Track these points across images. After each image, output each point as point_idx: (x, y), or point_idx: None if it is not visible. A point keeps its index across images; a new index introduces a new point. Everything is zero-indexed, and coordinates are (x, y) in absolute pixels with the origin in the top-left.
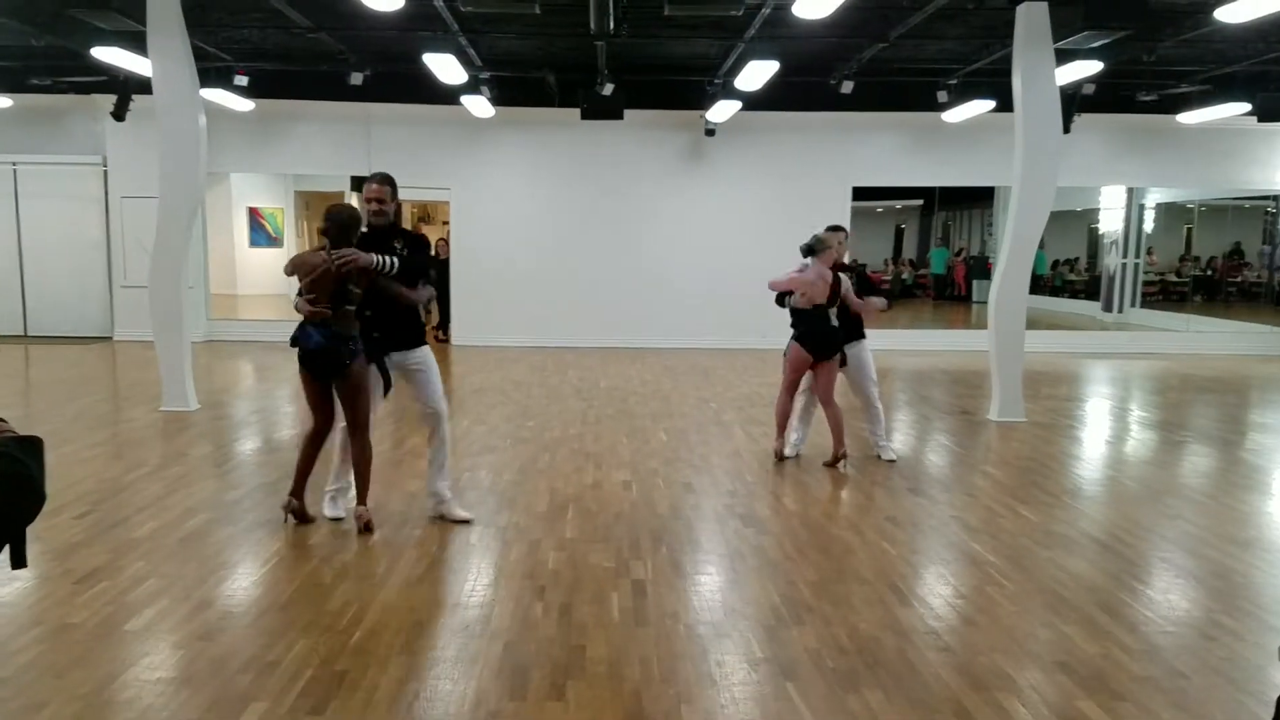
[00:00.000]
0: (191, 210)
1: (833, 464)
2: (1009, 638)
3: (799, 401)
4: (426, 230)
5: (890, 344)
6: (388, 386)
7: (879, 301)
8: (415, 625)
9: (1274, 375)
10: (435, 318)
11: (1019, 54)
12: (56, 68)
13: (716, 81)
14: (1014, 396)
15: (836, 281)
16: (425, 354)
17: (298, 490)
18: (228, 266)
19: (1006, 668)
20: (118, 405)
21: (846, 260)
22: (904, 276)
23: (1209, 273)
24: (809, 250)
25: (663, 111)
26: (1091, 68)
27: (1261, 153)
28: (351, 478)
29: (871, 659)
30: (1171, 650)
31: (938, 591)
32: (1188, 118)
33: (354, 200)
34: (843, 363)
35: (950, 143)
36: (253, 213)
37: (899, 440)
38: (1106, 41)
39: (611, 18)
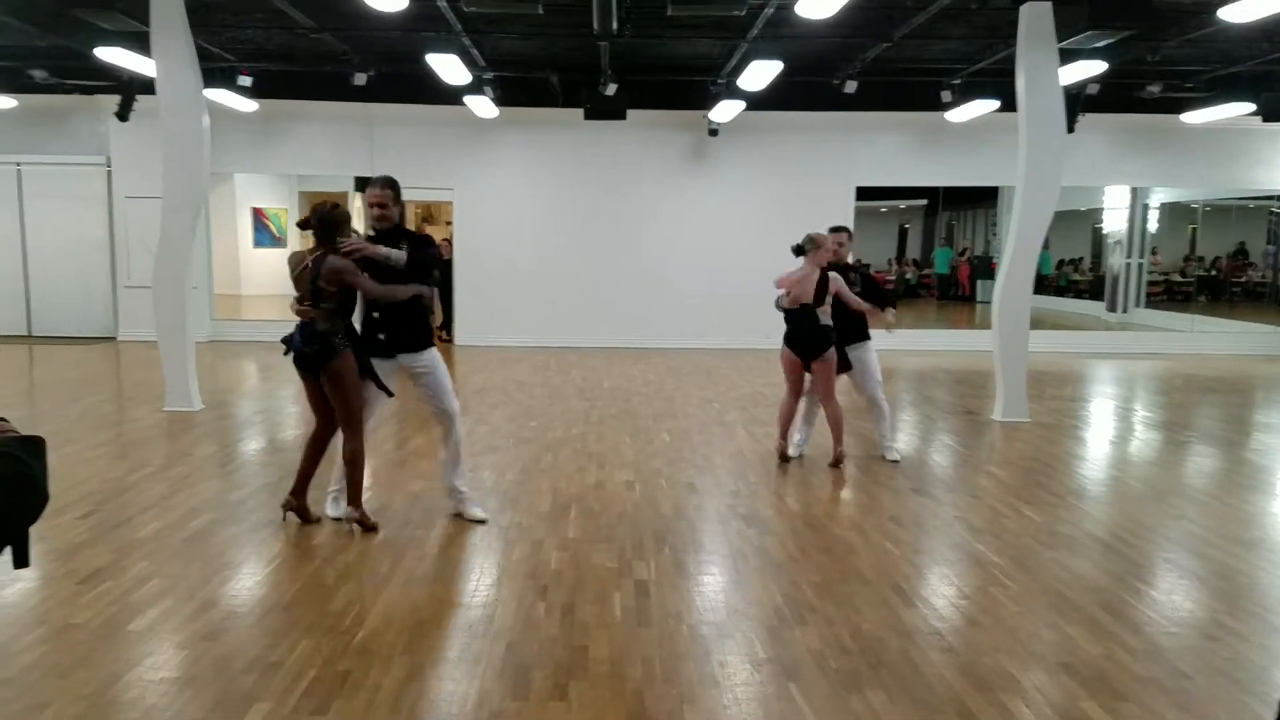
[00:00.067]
0: (195, 210)
1: (835, 465)
2: (1012, 638)
3: (803, 402)
4: (429, 231)
5: (894, 344)
6: (385, 389)
7: (890, 315)
8: (418, 625)
9: (1278, 375)
10: (439, 318)
11: (1023, 54)
12: (60, 68)
13: (720, 81)
14: (1018, 397)
15: (825, 281)
16: (432, 356)
17: (298, 490)
18: (231, 267)
19: (1010, 668)
20: (121, 405)
21: (850, 261)
22: (908, 276)
23: (1213, 273)
24: (799, 250)
25: (666, 111)
26: (1095, 67)
27: (1266, 153)
28: None
29: (875, 659)
30: (1175, 651)
31: (941, 592)
32: (1192, 117)
33: (357, 201)
34: (846, 367)
35: (954, 143)
36: (256, 213)
37: (902, 440)
38: (1110, 41)
39: (614, 18)
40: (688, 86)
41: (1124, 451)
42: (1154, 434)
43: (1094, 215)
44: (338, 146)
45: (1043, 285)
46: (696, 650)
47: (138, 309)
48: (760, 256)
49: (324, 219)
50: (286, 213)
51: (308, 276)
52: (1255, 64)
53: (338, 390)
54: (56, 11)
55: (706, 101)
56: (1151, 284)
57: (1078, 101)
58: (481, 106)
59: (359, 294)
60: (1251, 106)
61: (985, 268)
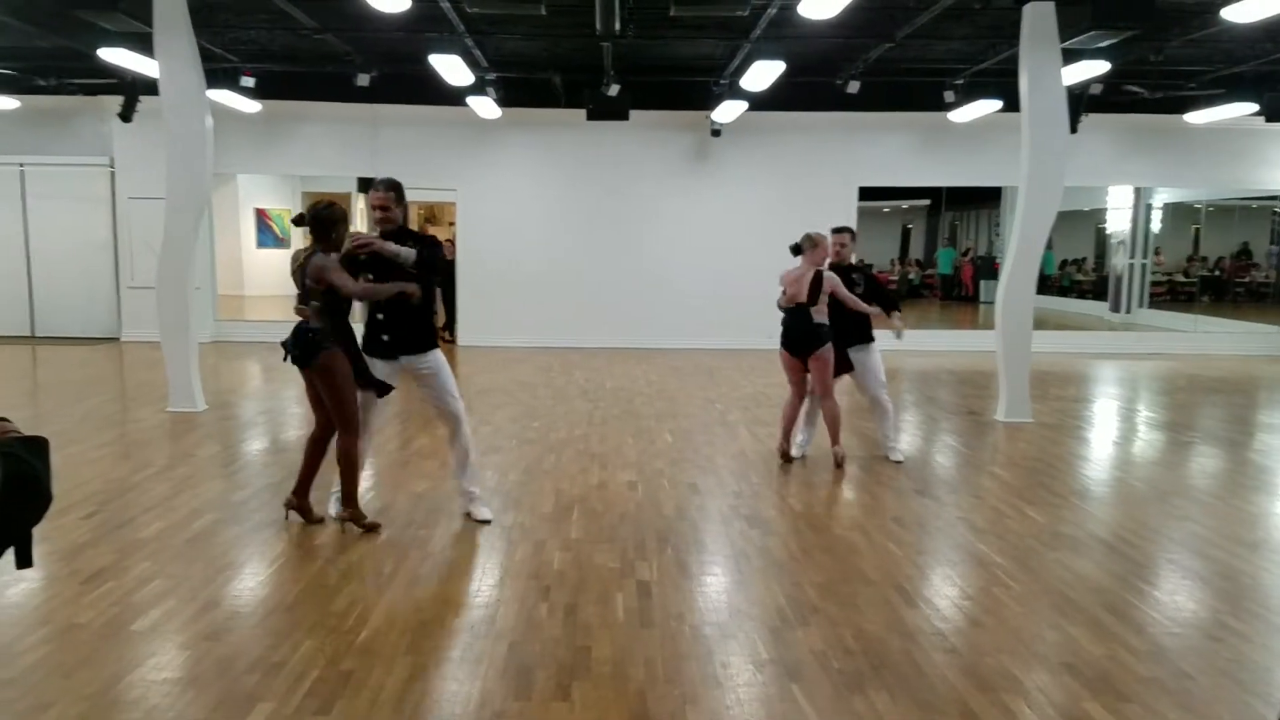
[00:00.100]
0: (198, 211)
1: (837, 465)
2: (1015, 639)
3: (806, 403)
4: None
5: (897, 344)
6: (380, 391)
7: (897, 321)
8: (421, 625)
9: None
10: (442, 318)
11: (1025, 54)
12: (64, 69)
13: (722, 82)
14: (1021, 397)
15: (819, 280)
16: (435, 358)
17: (300, 489)
18: (235, 267)
19: (1013, 669)
20: (125, 406)
21: (853, 261)
22: (911, 277)
23: (1217, 273)
24: (797, 249)
25: (668, 112)
26: (1098, 67)
27: (1269, 153)
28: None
29: (877, 660)
30: (1178, 652)
31: (944, 593)
32: (1195, 118)
33: (360, 202)
34: (846, 367)
35: (957, 143)
36: (260, 214)
37: (906, 441)
38: (1113, 41)
39: (617, 18)
40: (690, 87)
41: (1127, 452)
42: (1157, 435)
43: (1097, 215)
44: (341, 147)
45: (1046, 285)
46: (699, 651)
47: (141, 310)
48: (763, 257)
49: (317, 216)
50: (289, 213)
51: (299, 275)
52: (1258, 64)
53: (326, 388)
54: (59, 12)
55: (709, 102)
56: (1155, 284)
57: (1081, 101)
58: (484, 107)
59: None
60: (1255, 106)
61: (988, 268)
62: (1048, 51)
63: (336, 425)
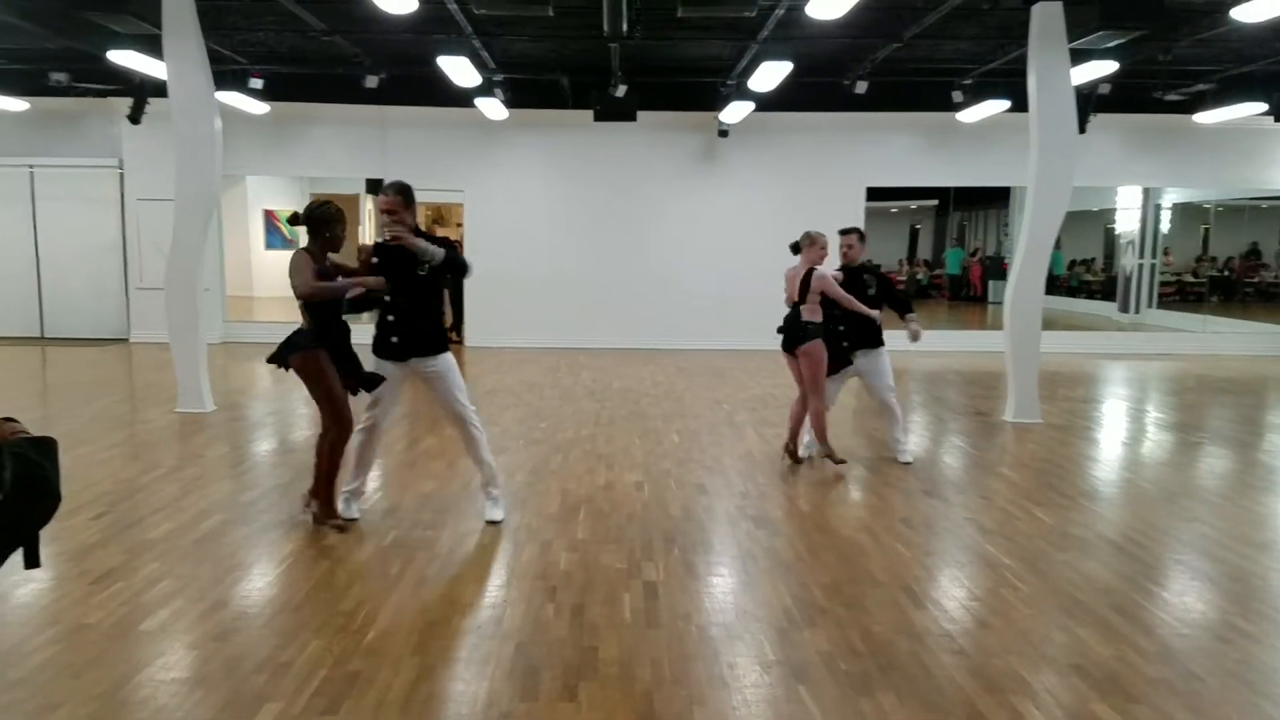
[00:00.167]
0: (207, 212)
1: (809, 459)
2: (1023, 640)
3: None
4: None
5: (905, 345)
6: (367, 386)
7: (914, 325)
8: (428, 626)
9: None
10: (449, 319)
11: (1034, 54)
12: (73, 71)
13: (730, 82)
14: (1030, 398)
15: (807, 278)
16: (443, 361)
17: (315, 489)
18: (243, 269)
19: (1021, 670)
20: (134, 407)
21: (862, 262)
22: (919, 277)
23: (1226, 273)
24: (795, 247)
25: (676, 113)
26: (1107, 67)
27: (1279, 153)
28: (366, 479)
29: (885, 662)
30: (1187, 653)
31: (952, 594)
32: (1204, 117)
33: (369, 204)
34: (841, 365)
35: (965, 143)
36: (268, 215)
37: (913, 442)
38: (1122, 41)
39: (625, 20)
40: (698, 88)
41: (1136, 453)
42: (1166, 435)
43: (1106, 215)
44: (349, 149)
45: (1054, 286)
46: (706, 652)
47: (150, 311)
48: (770, 258)
49: (311, 215)
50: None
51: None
52: (1267, 64)
53: (307, 387)
54: (68, 15)
55: (716, 103)
56: (1164, 284)
57: (1089, 101)
58: (492, 108)
59: (353, 294)
60: (1264, 106)
61: (997, 268)
62: (1056, 51)
63: (322, 420)
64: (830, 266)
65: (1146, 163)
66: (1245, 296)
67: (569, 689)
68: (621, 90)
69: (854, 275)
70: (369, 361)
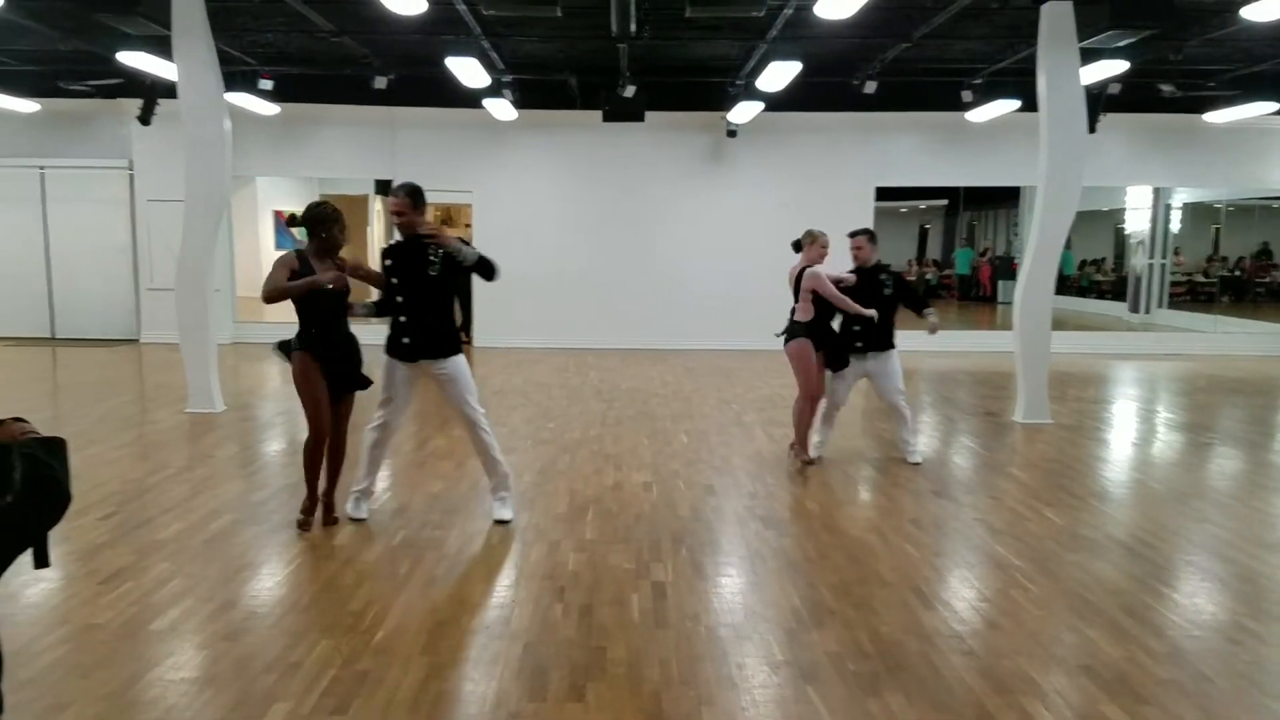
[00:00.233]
0: (217, 213)
1: (794, 456)
2: (1033, 641)
3: (822, 404)
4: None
5: (914, 345)
6: (355, 386)
7: (931, 317)
8: (436, 626)
9: None
10: (459, 318)
11: (1043, 53)
12: (83, 72)
13: (738, 83)
14: (1040, 398)
15: (799, 277)
16: (454, 364)
17: (326, 490)
18: (253, 269)
19: (1030, 671)
20: (144, 407)
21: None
22: (928, 277)
23: (1237, 273)
24: (797, 245)
25: (684, 113)
26: (1117, 67)
27: None
28: (377, 478)
29: (893, 662)
30: (1197, 654)
31: (961, 595)
32: (1214, 117)
33: (378, 204)
34: (841, 364)
35: (975, 143)
36: (278, 216)
37: (923, 442)
38: (1132, 41)
39: (633, 20)
40: (706, 88)
41: (1146, 454)
42: (1177, 436)
43: (1116, 215)
44: (358, 150)
45: (1065, 286)
46: (714, 652)
47: (160, 311)
48: (778, 258)
49: (308, 215)
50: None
51: None
52: (1278, 63)
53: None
54: (79, 16)
55: (725, 103)
56: (1174, 284)
57: (1099, 101)
58: (500, 109)
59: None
60: (1275, 105)
61: (1006, 268)
62: (1066, 51)
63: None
64: (830, 267)
65: (1157, 162)
66: (1256, 296)
67: (577, 689)
68: (630, 91)
69: (870, 276)
70: (378, 361)
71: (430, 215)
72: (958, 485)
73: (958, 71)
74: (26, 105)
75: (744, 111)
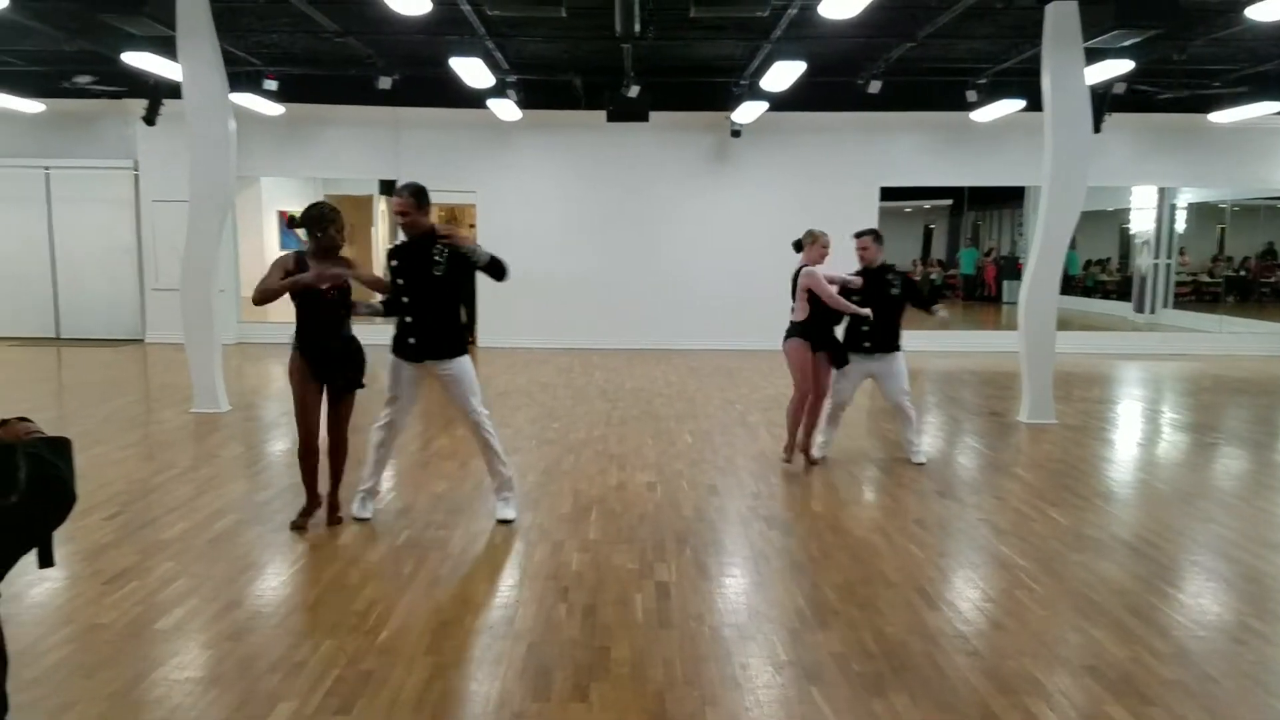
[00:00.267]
0: (222, 214)
1: (786, 459)
2: (1038, 642)
3: (827, 404)
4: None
5: (919, 345)
6: (347, 387)
7: (940, 312)
8: (440, 626)
9: None
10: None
11: (1048, 53)
12: (88, 72)
13: (742, 83)
14: (1044, 398)
15: (796, 276)
16: (459, 365)
17: (330, 490)
18: (258, 270)
19: (1035, 672)
20: (149, 407)
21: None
22: (933, 277)
23: (1242, 273)
24: (798, 245)
25: (688, 113)
26: (1122, 67)
27: None
28: (381, 478)
29: (898, 663)
30: (1202, 654)
31: (966, 595)
32: (1219, 117)
33: (382, 205)
34: (841, 362)
35: (979, 142)
36: (282, 216)
37: (927, 442)
38: (1137, 40)
39: (637, 20)
40: (710, 88)
41: (1151, 454)
42: (1182, 436)
43: (1121, 215)
44: (363, 150)
45: (1070, 286)
46: (718, 652)
47: (165, 311)
48: (783, 258)
49: (305, 215)
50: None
51: None
52: None
53: None
54: (84, 17)
55: (729, 103)
56: (1179, 284)
57: (1104, 101)
58: (505, 109)
59: (346, 295)
60: (1279, 105)
61: (1011, 268)
62: (1070, 51)
63: None
64: (831, 267)
65: (1162, 162)
66: (1261, 296)
67: (581, 689)
68: (634, 91)
69: (877, 276)
70: (384, 361)
71: (435, 216)
72: (962, 485)
73: (962, 71)
74: (32, 106)
75: (748, 111)
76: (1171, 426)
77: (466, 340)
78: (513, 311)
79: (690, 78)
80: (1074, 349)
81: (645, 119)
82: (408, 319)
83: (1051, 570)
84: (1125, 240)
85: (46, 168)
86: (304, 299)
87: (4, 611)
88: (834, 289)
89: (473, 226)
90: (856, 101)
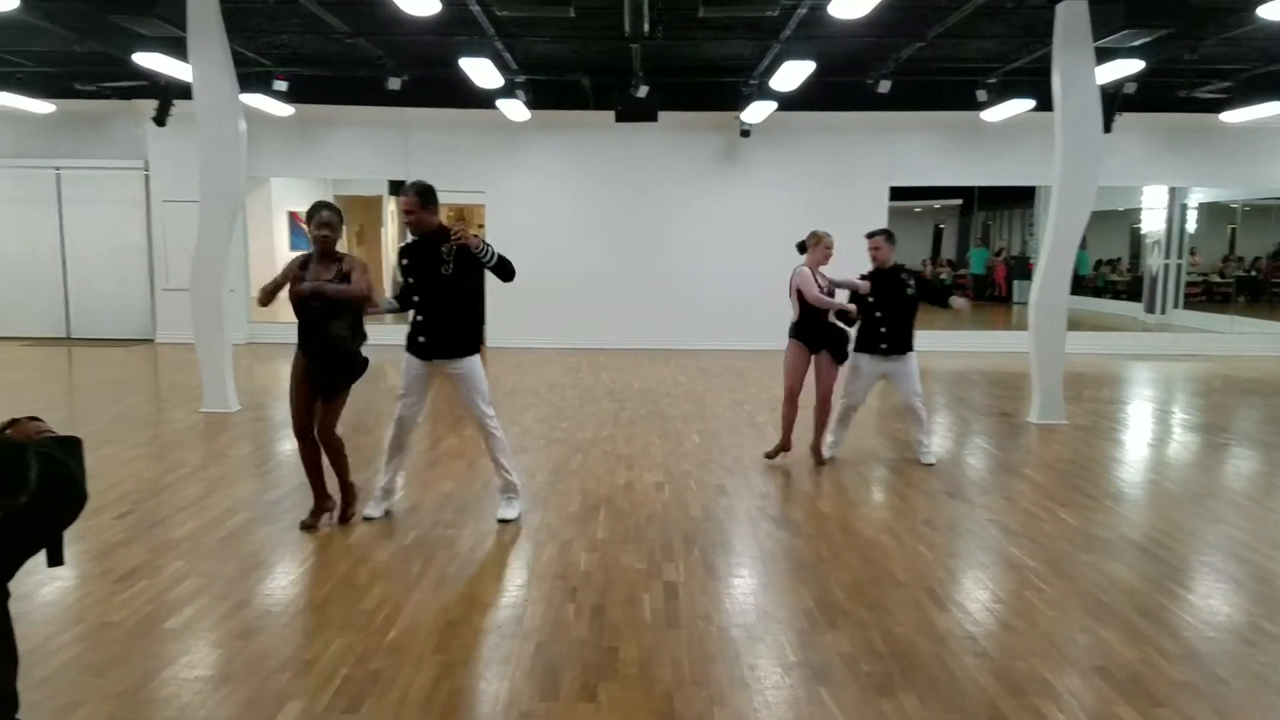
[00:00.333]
0: (232, 214)
1: (770, 455)
2: (1047, 643)
3: (838, 405)
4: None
5: (929, 345)
6: (327, 386)
7: (956, 304)
8: (448, 625)
9: None
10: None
11: (1059, 53)
12: (99, 73)
13: (752, 82)
14: (1055, 399)
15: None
16: (467, 364)
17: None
18: (268, 270)
19: (1044, 673)
20: (159, 407)
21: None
22: (943, 277)
23: (1253, 273)
24: (801, 246)
25: (697, 113)
26: (1132, 66)
27: None
28: (400, 480)
29: (906, 664)
30: (1212, 655)
31: (975, 596)
32: (1230, 116)
33: (391, 205)
34: (841, 357)
35: (989, 142)
36: (293, 216)
37: (937, 443)
38: (1148, 40)
39: (646, 20)
40: (719, 88)
41: (1162, 454)
42: (1192, 437)
43: (1132, 215)
44: (372, 150)
45: (1080, 286)
46: (726, 652)
47: (175, 311)
48: (791, 258)
49: (311, 214)
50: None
51: None
52: None
53: None
54: (95, 18)
55: (738, 102)
56: (1190, 285)
57: (1115, 101)
58: (514, 109)
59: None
60: None
61: (1022, 268)
62: (1081, 50)
63: None
64: (836, 268)
65: (1172, 162)
66: (1273, 297)
67: (589, 689)
68: (643, 91)
69: (890, 276)
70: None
71: (444, 216)
72: (972, 486)
73: (972, 71)
74: (42, 106)
75: (757, 111)
76: (1182, 427)
77: (478, 340)
78: (521, 311)
79: (699, 77)
80: (1084, 349)
81: (654, 119)
82: (419, 317)
83: (1061, 571)
84: (1136, 240)
85: (57, 168)
86: (295, 302)
87: (14, 610)
88: (833, 288)
89: (481, 226)
90: (866, 101)
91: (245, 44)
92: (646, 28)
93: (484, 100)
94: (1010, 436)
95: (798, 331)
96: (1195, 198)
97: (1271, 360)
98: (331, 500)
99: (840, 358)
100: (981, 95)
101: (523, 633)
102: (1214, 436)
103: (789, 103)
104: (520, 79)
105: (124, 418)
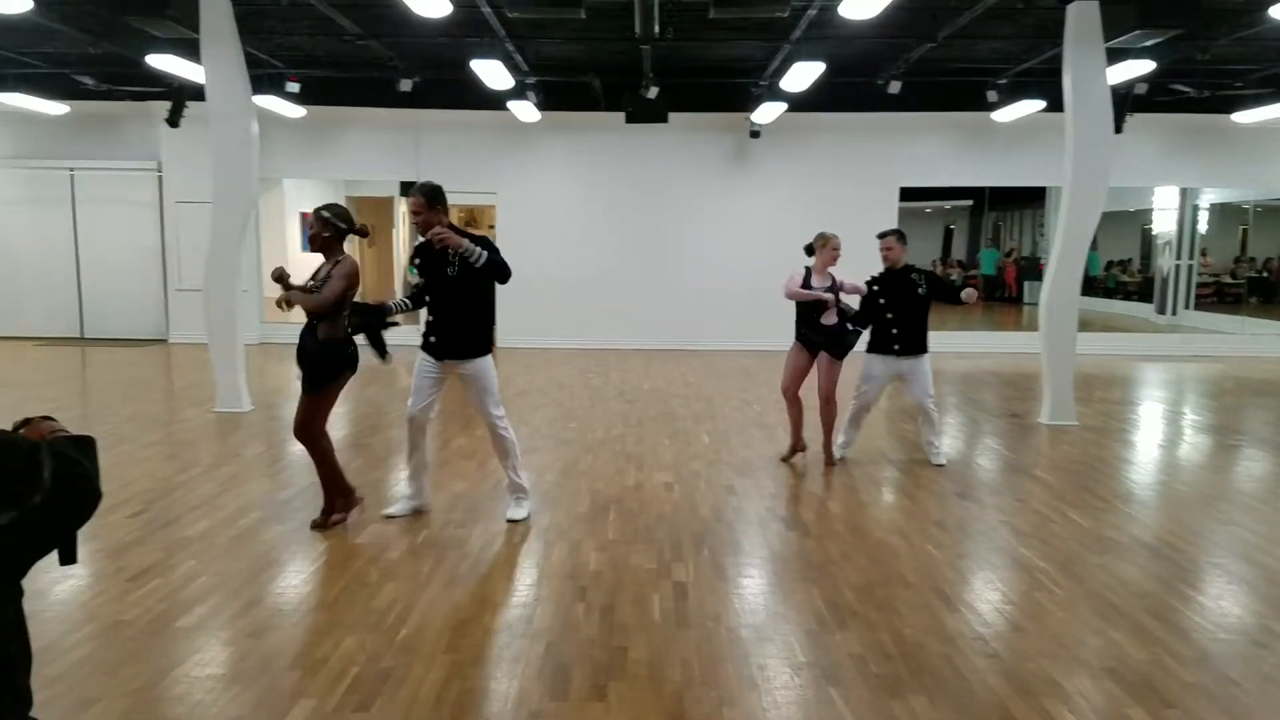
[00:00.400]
0: (245, 215)
1: (787, 459)
2: (1057, 644)
3: (849, 406)
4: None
5: (939, 345)
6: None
7: (970, 294)
8: (459, 624)
9: None
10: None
11: (1070, 53)
12: (113, 75)
13: (762, 83)
14: (1065, 399)
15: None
16: (478, 365)
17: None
18: None
19: (1054, 674)
20: (172, 406)
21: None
22: (953, 277)
23: (1265, 274)
24: (809, 249)
25: (708, 114)
26: (1143, 67)
27: None
28: (425, 481)
29: (916, 665)
30: (1223, 657)
31: (985, 597)
32: (1242, 117)
33: (403, 206)
34: (840, 354)
35: (1000, 143)
36: (305, 217)
37: (947, 444)
38: (1159, 40)
39: (657, 21)
40: (730, 89)
41: (1172, 456)
42: (1203, 438)
43: (1143, 216)
44: (384, 152)
45: (1091, 287)
46: (736, 653)
47: (188, 312)
48: (802, 259)
49: (317, 215)
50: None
51: None
52: None
53: None
54: (108, 19)
55: (748, 103)
56: (1201, 285)
57: (1126, 101)
58: (524, 111)
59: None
60: None
61: (1032, 269)
62: (1092, 51)
63: None
64: (843, 269)
65: (1184, 163)
66: None
67: (599, 689)
68: (653, 92)
69: (901, 276)
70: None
71: (454, 217)
72: (982, 487)
73: (983, 71)
74: (56, 108)
75: (767, 112)
76: (1193, 428)
77: (489, 341)
78: (532, 312)
79: (709, 78)
80: (1095, 350)
81: (664, 120)
82: (430, 317)
83: (1071, 572)
84: (1147, 241)
85: (71, 169)
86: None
87: (28, 608)
88: (838, 290)
89: (492, 227)
90: (876, 102)
91: (258, 46)
92: (657, 29)
93: (495, 102)
94: (1021, 437)
95: (796, 332)
96: (1206, 198)
97: None
98: (336, 499)
99: (839, 354)
100: (992, 96)
101: (533, 632)
102: (1225, 438)
103: (799, 104)
104: (531, 80)
105: (137, 417)
